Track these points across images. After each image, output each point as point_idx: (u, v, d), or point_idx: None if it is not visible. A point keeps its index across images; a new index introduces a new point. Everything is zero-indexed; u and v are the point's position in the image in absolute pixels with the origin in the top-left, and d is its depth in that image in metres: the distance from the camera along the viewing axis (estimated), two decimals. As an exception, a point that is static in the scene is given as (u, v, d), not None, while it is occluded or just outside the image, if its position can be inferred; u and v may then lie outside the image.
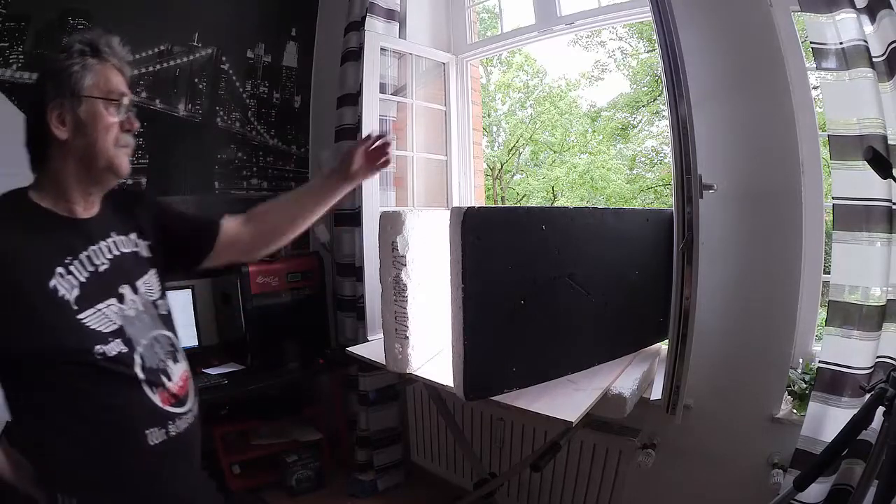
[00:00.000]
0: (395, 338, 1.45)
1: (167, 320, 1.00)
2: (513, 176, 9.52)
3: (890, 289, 1.30)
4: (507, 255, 1.20)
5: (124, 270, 0.94)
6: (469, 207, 1.13)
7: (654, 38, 1.44)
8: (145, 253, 1.01)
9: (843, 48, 1.30)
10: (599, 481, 1.74)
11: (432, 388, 1.64)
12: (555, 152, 9.03)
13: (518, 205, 8.23)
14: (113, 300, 0.89)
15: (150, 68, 2.28)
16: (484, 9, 4.71)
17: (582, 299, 1.36)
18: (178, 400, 0.94)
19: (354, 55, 2.21)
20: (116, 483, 0.88)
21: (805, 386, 1.50)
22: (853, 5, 1.29)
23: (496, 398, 1.23)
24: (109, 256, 0.92)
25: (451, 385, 1.22)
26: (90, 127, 0.88)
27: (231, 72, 2.56)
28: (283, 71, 2.77)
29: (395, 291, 1.43)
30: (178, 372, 0.97)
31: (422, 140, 2.43)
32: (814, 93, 1.56)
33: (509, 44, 2.38)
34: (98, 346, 0.84)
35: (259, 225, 1.16)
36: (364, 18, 2.11)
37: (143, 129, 2.26)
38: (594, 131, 8.86)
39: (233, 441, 2.29)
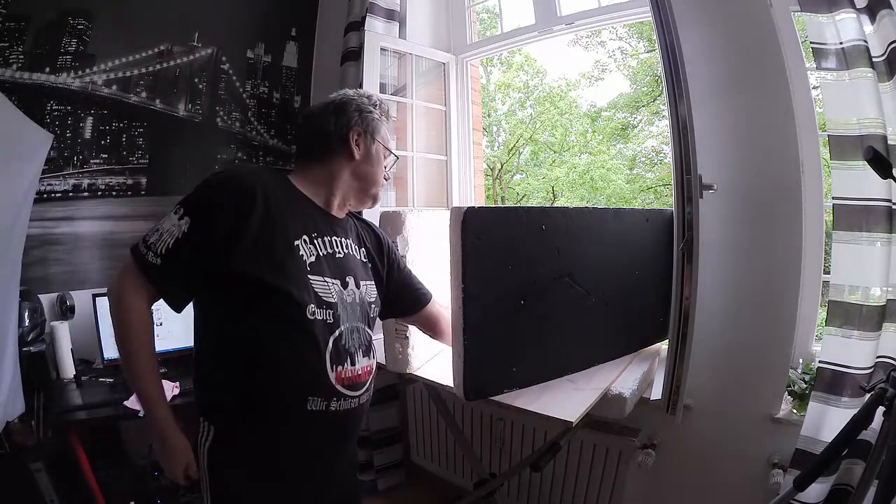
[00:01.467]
0: (395, 338, 1.44)
1: (373, 322, 1.15)
2: (513, 176, 9.52)
3: (890, 289, 1.30)
4: (507, 255, 1.20)
5: (354, 267, 1.10)
6: (469, 207, 1.12)
7: (654, 38, 1.44)
8: (370, 267, 1.18)
9: (843, 48, 1.30)
10: (599, 481, 1.74)
11: (432, 388, 1.64)
12: (555, 152, 9.04)
13: (518, 205, 8.23)
14: (338, 281, 1.03)
15: (150, 68, 2.28)
16: (484, 9, 4.71)
17: (582, 299, 1.36)
18: (352, 385, 1.03)
19: (354, 55, 2.21)
20: (266, 426, 0.97)
21: (805, 386, 1.50)
22: (853, 5, 1.29)
23: (496, 398, 1.23)
24: (346, 251, 1.09)
25: (451, 385, 1.21)
26: (375, 160, 1.13)
27: (231, 72, 2.56)
28: (283, 71, 2.77)
29: (395, 291, 1.42)
30: (364, 364, 1.07)
31: (422, 140, 2.43)
32: (814, 93, 1.56)
33: (509, 44, 2.38)
34: (311, 306, 0.96)
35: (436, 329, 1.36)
36: (364, 18, 2.12)
37: (143, 129, 2.27)
38: (594, 131, 8.86)
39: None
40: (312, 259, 0.99)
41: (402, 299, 1.29)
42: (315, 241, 1.02)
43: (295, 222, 0.99)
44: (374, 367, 1.13)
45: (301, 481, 1.02)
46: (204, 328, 1.00)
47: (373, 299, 1.14)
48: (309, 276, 0.97)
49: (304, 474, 1.02)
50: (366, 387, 1.08)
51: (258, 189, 0.95)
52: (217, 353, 0.98)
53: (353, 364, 1.03)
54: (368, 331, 1.10)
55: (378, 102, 1.16)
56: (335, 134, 1.09)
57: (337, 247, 1.07)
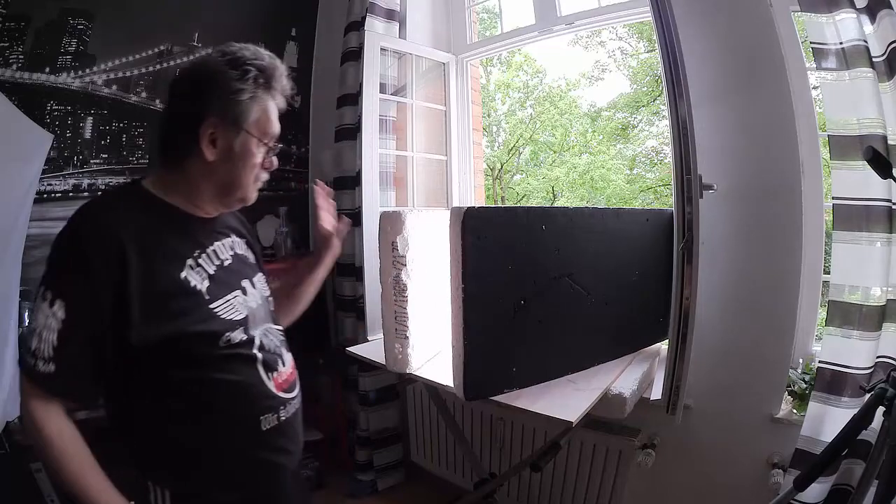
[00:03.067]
0: (395, 338, 1.45)
1: (277, 317, 1.07)
2: (513, 176, 9.52)
3: (890, 289, 1.30)
4: (507, 255, 1.20)
5: (244, 267, 1.00)
6: (469, 207, 1.13)
7: (654, 38, 1.44)
8: (252, 259, 1.07)
9: (843, 48, 1.30)
10: (599, 481, 1.74)
11: (432, 388, 1.64)
12: (555, 152, 9.04)
13: (518, 205, 8.23)
14: (238, 292, 0.94)
15: (150, 68, 2.28)
16: (484, 9, 4.70)
17: (582, 299, 1.36)
18: (289, 386, 0.99)
19: (354, 55, 2.21)
20: (228, 468, 0.90)
21: (805, 386, 1.50)
22: (853, 5, 1.29)
23: (496, 398, 1.23)
24: (231, 253, 0.97)
25: (451, 385, 1.22)
26: (239, 160, 0.89)
27: (231, 72, 2.56)
28: (283, 71, 2.77)
29: (395, 291, 1.42)
30: (289, 360, 1.02)
31: (422, 140, 2.43)
32: (814, 93, 1.56)
33: (509, 44, 2.38)
34: (227, 334, 0.87)
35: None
36: (364, 18, 2.11)
37: (143, 129, 2.27)
38: (594, 131, 8.86)
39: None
40: (207, 284, 0.87)
41: None
42: (200, 261, 0.88)
43: (174, 251, 0.85)
44: (293, 361, 1.05)
45: (277, 497, 0.97)
46: (123, 400, 0.86)
47: (268, 291, 1.06)
48: (209, 305, 0.86)
49: (275, 489, 0.96)
50: (298, 383, 1.03)
51: (122, 234, 0.79)
52: (147, 418, 0.86)
53: (283, 365, 0.98)
54: (276, 326, 1.03)
55: (254, 73, 0.87)
56: (183, 128, 0.87)
57: (222, 254, 0.94)
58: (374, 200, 2.06)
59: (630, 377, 1.42)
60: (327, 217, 1.23)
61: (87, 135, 2.15)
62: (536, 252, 1.26)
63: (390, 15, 2.21)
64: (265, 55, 0.91)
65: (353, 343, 2.04)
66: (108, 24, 2.13)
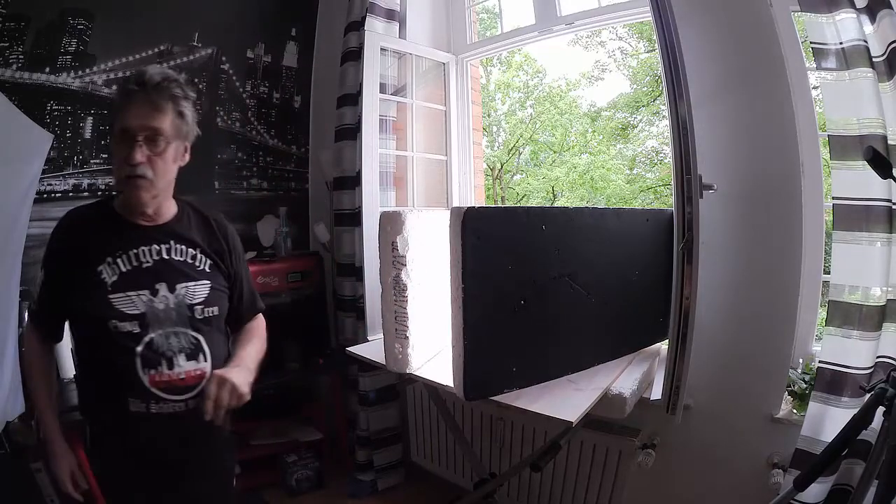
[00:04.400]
0: (395, 338, 1.44)
1: (202, 323, 1.13)
2: (513, 176, 9.51)
3: (890, 289, 1.30)
4: (507, 255, 1.20)
5: (166, 272, 1.10)
6: (469, 207, 1.13)
7: (654, 38, 1.44)
8: (204, 268, 1.16)
9: (843, 48, 1.30)
10: (599, 481, 1.74)
11: (432, 388, 1.64)
12: (555, 152, 9.03)
13: (518, 205, 8.23)
14: (146, 291, 1.07)
15: (150, 68, 2.28)
16: (484, 9, 4.70)
17: (582, 299, 1.36)
18: (172, 388, 1.06)
19: (354, 55, 2.21)
20: (110, 423, 1.08)
21: (805, 386, 1.50)
22: (853, 5, 1.29)
23: (496, 398, 1.23)
24: (156, 258, 1.10)
25: (451, 385, 1.22)
26: (114, 160, 1.08)
27: (231, 72, 2.56)
28: (283, 71, 2.77)
29: (395, 291, 1.42)
30: (187, 367, 1.09)
31: (422, 140, 2.43)
32: (814, 93, 1.56)
33: (509, 44, 2.38)
34: (113, 321, 1.03)
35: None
36: (364, 18, 2.11)
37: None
38: (594, 131, 8.85)
39: (233, 441, 2.29)
40: (115, 279, 1.05)
41: (232, 309, 1.24)
42: (118, 261, 1.06)
43: (98, 249, 1.06)
44: (208, 371, 1.10)
45: (157, 480, 1.10)
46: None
47: (197, 300, 1.12)
48: (110, 295, 1.04)
49: (157, 474, 1.09)
50: (193, 391, 1.08)
51: (70, 232, 1.09)
52: (78, 376, 1.19)
53: (170, 368, 1.06)
54: (193, 334, 1.10)
55: (122, 82, 1.19)
56: None
57: (143, 257, 1.08)
58: (374, 200, 2.06)
59: (630, 377, 1.42)
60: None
61: (87, 135, 2.15)
62: (536, 252, 1.26)
63: (390, 15, 2.21)
64: (138, 68, 1.11)
65: (353, 343, 2.04)
66: (108, 24, 2.12)
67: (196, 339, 1.11)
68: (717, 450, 1.63)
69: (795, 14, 1.51)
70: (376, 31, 2.12)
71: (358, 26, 2.18)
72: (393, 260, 1.41)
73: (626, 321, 1.52)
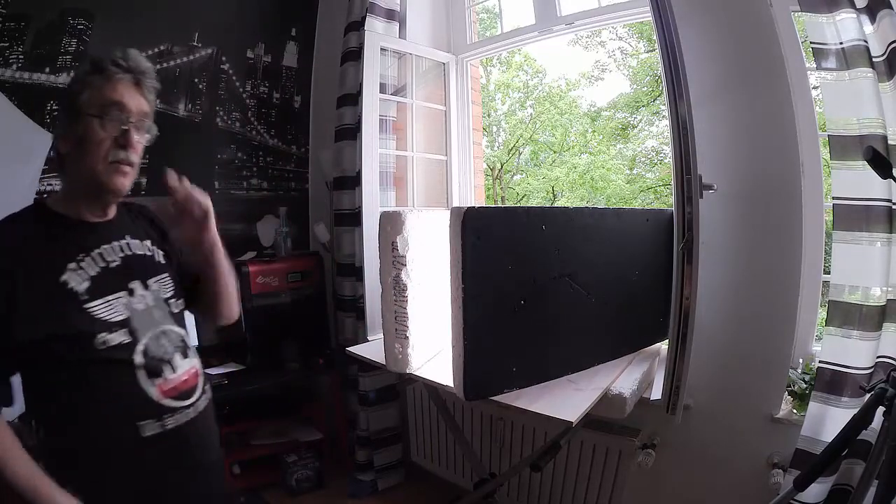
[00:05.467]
0: (395, 338, 1.45)
1: (179, 318, 1.04)
2: (513, 176, 9.51)
3: (890, 289, 1.30)
4: (507, 255, 1.20)
5: (136, 269, 0.99)
6: (469, 207, 1.13)
7: (654, 38, 1.44)
8: (160, 259, 1.06)
9: (843, 48, 1.30)
10: (599, 481, 1.74)
11: (432, 388, 1.64)
12: (555, 152, 9.03)
13: (518, 205, 8.23)
14: (122, 293, 0.94)
15: (150, 68, 2.28)
16: (484, 9, 4.70)
17: (582, 299, 1.36)
18: (181, 394, 0.96)
19: (354, 55, 2.21)
20: (112, 473, 0.90)
21: (805, 386, 1.50)
22: (853, 5, 1.29)
23: (496, 398, 1.23)
24: (122, 255, 0.97)
25: (451, 385, 1.22)
26: (83, 144, 0.90)
27: (231, 72, 2.56)
28: (283, 71, 2.77)
29: (395, 291, 1.42)
30: (185, 367, 0.99)
31: (422, 140, 2.43)
32: (814, 93, 1.56)
33: (509, 44, 2.38)
34: (102, 334, 0.88)
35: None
36: (364, 18, 2.11)
37: (143, 129, 2.27)
38: (594, 131, 8.85)
39: (233, 441, 2.29)
40: (87, 284, 0.89)
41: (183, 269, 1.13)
42: (83, 264, 0.90)
43: (54, 257, 0.88)
44: (199, 368, 1.04)
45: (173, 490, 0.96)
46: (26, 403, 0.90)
47: (169, 294, 1.03)
48: (85, 305, 0.88)
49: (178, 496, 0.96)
50: (197, 393, 1.00)
51: (8, 246, 0.86)
52: (49, 429, 0.90)
53: (173, 371, 0.96)
54: (177, 329, 1.01)
55: (85, 67, 0.93)
56: (54, 139, 0.94)
57: (109, 255, 0.95)
58: (374, 200, 2.06)
59: (630, 377, 1.42)
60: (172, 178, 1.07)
61: (87, 135, 2.14)
62: (536, 252, 1.26)
63: (390, 15, 2.21)
64: (101, 53, 0.97)
65: (353, 343, 2.05)
66: (108, 24, 2.12)
67: (179, 333, 1.02)
68: (717, 450, 1.63)
69: (795, 14, 1.51)
70: (376, 31, 2.12)
71: (358, 26, 2.18)
72: (393, 260, 1.41)
73: (626, 321, 1.52)
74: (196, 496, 1.01)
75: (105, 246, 0.95)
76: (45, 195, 2.01)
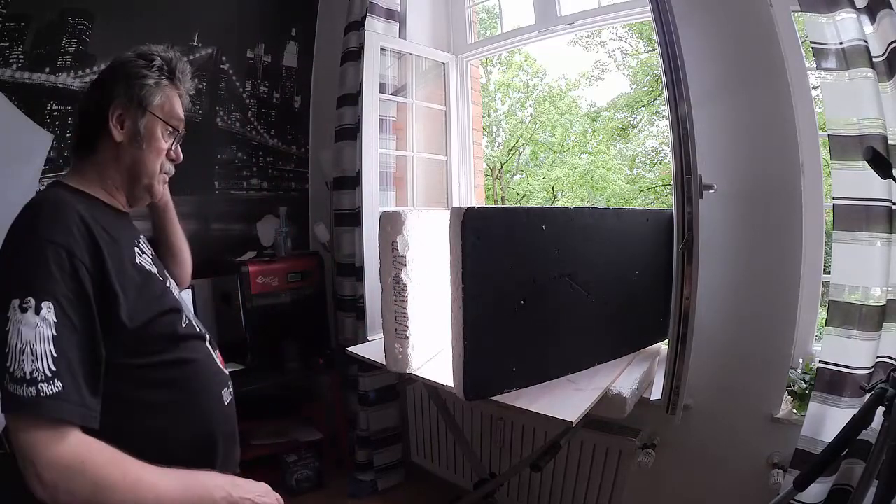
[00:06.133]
0: (395, 338, 1.45)
1: None
2: (513, 176, 9.52)
3: (890, 289, 1.30)
4: (507, 255, 1.20)
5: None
6: (469, 207, 1.13)
7: (654, 38, 1.44)
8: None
9: (843, 48, 1.30)
10: (599, 481, 1.74)
11: (432, 388, 1.64)
12: (555, 152, 9.04)
13: (518, 205, 8.23)
14: (166, 278, 0.95)
15: (150, 68, 2.28)
16: (484, 9, 4.71)
17: (582, 299, 1.36)
18: (224, 363, 1.01)
19: (354, 55, 2.21)
20: (206, 446, 0.88)
21: (805, 386, 1.50)
22: (853, 5, 1.29)
23: (496, 398, 1.23)
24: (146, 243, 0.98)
25: (451, 385, 1.22)
26: (145, 141, 0.89)
27: (231, 72, 2.56)
28: (283, 71, 2.77)
29: (395, 291, 1.42)
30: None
31: (422, 140, 2.43)
32: (814, 93, 1.56)
33: (509, 44, 2.38)
34: (184, 315, 0.91)
35: None
36: (364, 18, 2.11)
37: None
38: (594, 131, 8.86)
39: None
40: (155, 269, 0.90)
41: None
42: (142, 246, 0.91)
43: (123, 238, 0.85)
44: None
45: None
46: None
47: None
48: (166, 284, 0.91)
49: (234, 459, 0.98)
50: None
51: (89, 223, 0.78)
52: (136, 417, 0.80)
53: (214, 347, 0.98)
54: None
55: (160, 62, 0.90)
56: (94, 114, 0.87)
57: (146, 245, 0.96)
58: (374, 200, 2.06)
59: (630, 377, 1.42)
60: None
61: (87, 135, 2.14)
62: (536, 252, 1.26)
63: (390, 15, 2.21)
64: (172, 53, 0.95)
65: (353, 343, 2.05)
66: (108, 24, 2.12)
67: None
68: (716, 450, 1.63)
69: (795, 14, 1.51)
70: (376, 31, 2.12)
71: (358, 26, 2.18)
72: (393, 260, 1.41)
73: (626, 321, 1.52)
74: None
75: (142, 235, 0.97)
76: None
